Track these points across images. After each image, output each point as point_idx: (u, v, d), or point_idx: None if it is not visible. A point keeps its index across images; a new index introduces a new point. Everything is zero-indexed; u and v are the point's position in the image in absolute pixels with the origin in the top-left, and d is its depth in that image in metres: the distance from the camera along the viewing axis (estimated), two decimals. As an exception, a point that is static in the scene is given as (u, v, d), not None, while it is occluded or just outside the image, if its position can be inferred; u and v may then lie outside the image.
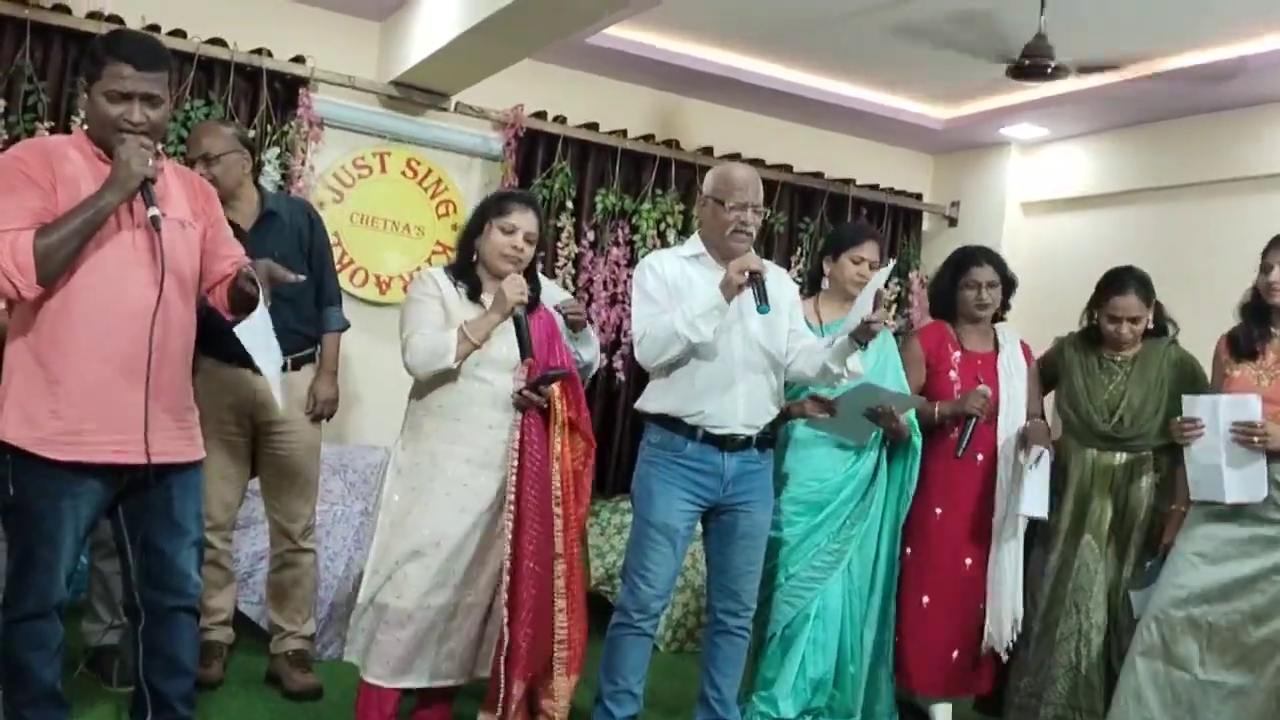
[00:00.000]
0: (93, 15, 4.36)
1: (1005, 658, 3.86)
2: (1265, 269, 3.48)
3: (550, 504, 3.09)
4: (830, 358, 3.32)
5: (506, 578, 3.01)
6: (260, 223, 3.77)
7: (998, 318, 4.04)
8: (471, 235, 3.19)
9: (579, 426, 3.21)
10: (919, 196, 6.28)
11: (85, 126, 2.75)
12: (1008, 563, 3.80)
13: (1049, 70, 3.91)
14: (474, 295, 3.16)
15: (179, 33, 4.51)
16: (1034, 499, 3.71)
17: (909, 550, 3.87)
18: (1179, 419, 3.45)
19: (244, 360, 3.59)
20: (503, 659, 3.03)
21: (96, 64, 2.60)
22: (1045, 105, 5.35)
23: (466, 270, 3.18)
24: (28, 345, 2.58)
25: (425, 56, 4.50)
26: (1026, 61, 3.96)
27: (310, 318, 3.85)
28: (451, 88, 4.93)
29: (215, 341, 3.70)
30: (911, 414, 3.78)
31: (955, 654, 3.86)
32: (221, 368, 3.71)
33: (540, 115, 5.20)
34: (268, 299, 2.65)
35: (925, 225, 6.34)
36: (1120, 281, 3.81)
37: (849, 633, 3.74)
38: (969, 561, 3.84)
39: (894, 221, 6.14)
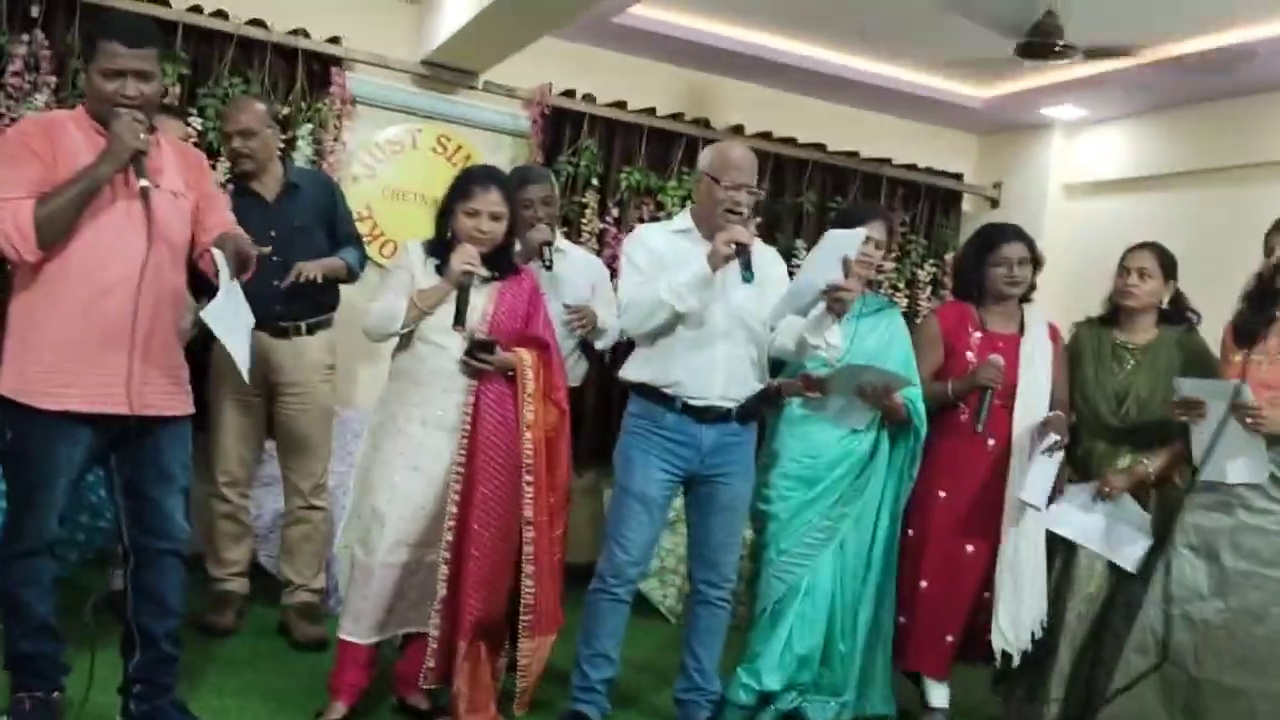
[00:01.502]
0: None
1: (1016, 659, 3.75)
2: (1268, 251, 3.43)
3: (515, 470, 3.19)
4: (806, 328, 3.35)
5: (449, 536, 3.13)
6: (283, 194, 3.97)
7: (1025, 298, 3.95)
8: (444, 215, 3.30)
9: (551, 396, 3.30)
10: (959, 177, 6.23)
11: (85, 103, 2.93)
12: (1025, 558, 3.69)
13: (1056, 49, 3.86)
14: (443, 270, 3.25)
15: (221, 13, 4.70)
16: (1035, 487, 3.65)
17: (910, 532, 3.85)
18: (1176, 398, 3.43)
19: (261, 324, 3.79)
20: (437, 615, 3.15)
21: (90, 44, 2.78)
22: (1084, 86, 5.27)
23: (439, 246, 3.29)
24: (26, 304, 2.78)
25: (451, 35, 4.63)
26: (1034, 40, 3.90)
27: (327, 286, 4.02)
28: (479, 66, 5.05)
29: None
30: (917, 399, 3.78)
31: (949, 639, 3.82)
32: (239, 332, 3.92)
33: (569, 94, 5.30)
34: (233, 275, 2.79)
35: (966, 207, 6.29)
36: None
37: (840, 611, 3.74)
38: (970, 549, 3.78)
39: (931, 202, 6.11)
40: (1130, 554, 3.64)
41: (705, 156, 3.51)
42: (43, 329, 2.75)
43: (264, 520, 4.40)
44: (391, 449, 3.22)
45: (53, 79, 4.37)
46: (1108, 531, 3.67)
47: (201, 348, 3.92)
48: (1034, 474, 3.66)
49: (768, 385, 3.59)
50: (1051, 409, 3.75)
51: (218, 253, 2.79)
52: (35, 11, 4.38)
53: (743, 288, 3.35)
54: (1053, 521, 3.70)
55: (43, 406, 2.73)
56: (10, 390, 2.76)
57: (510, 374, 3.21)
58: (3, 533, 2.87)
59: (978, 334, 3.86)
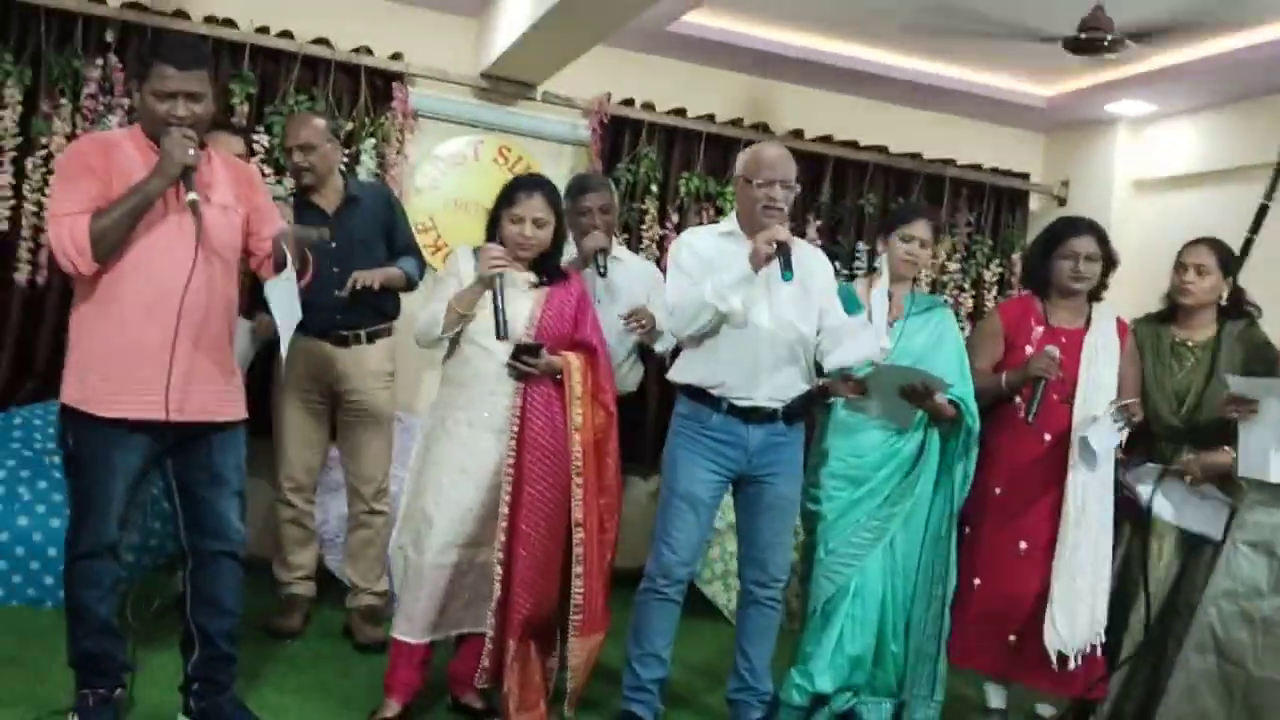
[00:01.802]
0: (209, 20, 4.75)
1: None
2: None
3: (562, 472, 3.24)
4: (856, 343, 3.39)
5: (502, 537, 3.19)
6: (343, 207, 4.07)
7: (1096, 296, 3.86)
8: (492, 224, 3.37)
9: (599, 398, 3.34)
10: (1026, 176, 6.14)
11: (136, 124, 3.04)
12: (1083, 556, 3.63)
13: (1105, 43, 3.79)
14: None
15: (287, 34, 4.85)
16: (1101, 435, 3.57)
17: (968, 529, 3.81)
18: (1226, 394, 3.36)
19: (322, 332, 3.96)
20: (492, 615, 3.20)
21: (144, 66, 2.90)
22: (1148, 81, 5.18)
23: None
24: (83, 316, 2.90)
25: (508, 47, 4.71)
26: (1082, 35, 3.85)
27: (387, 295, 4.12)
28: (537, 77, 5.13)
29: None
30: (969, 398, 3.74)
31: (1012, 638, 3.76)
32: (304, 340, 4.02)
33: (628, 103, 5.35)
34: (295, 262, 2.91)
35: (1033, 205, 6.20)
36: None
37: (890, 611, 3.73)
38: (1024, 545, 3.73)
39: (997, 202, 6.04)
40: (1215, 523, 3.56)
41: (739, 160, 3.55)
42: (98, 339, 2.87)
43: (330, 525, 4.51)
44: (441, 452, 3.29)
45: (125, 101, 4.54)
46: (1188, 502, 3.62)
47: (264, 358, 4.07)
48: (1103, 422, 3.57)
49: (814, 385, 3.59)
50: None
51: (285, 244, 2.89)
52: (109, 36, 4.57)
53: (787, 288, 3.36)
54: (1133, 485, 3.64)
55: (99, 414, 2.85)
56: (71, 399, 2.89)
57: (558, 377, 3.26)
58: (66, 536, 2.99)
59: (1040, 328, 3.80)
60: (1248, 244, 4.45)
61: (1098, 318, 3.82)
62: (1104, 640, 3.69)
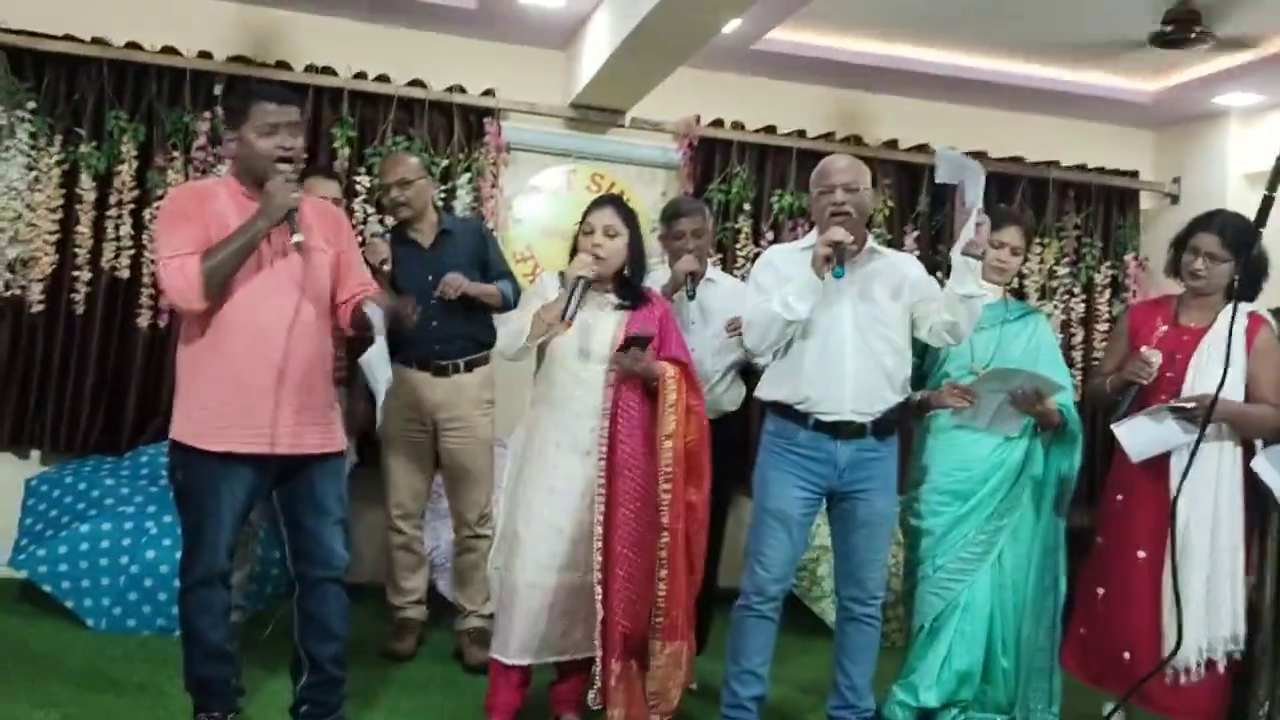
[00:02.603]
0: (309, 69, 4.96)
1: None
2: None
3: (654, 490, 3.26)
4: (953, 281, 3.28)
5: (599, 558, 3.23)
6: (438, 240, 4.20)
7: (1244, 296, 3.53)
8: (574, 251, 3.44)
9: (695, 410, 3.36)
10: (1135, 174, 5.97)
11: (228, 170, 3.21)
12: (1196, 563, 3.47)
13: (1192, 36, 3.67)
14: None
15: (383, 78, 5.03)
16: (1137, 430, 3.46)
17: (1100, 539, 3.72)
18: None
19: (422, 363, 4.10)
20: (599, 636, 3.23)
21: (242, 109, 3.04)
22: (1256, 70, 4.99)
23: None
24: (190, 354, 3.05)
25: (593, 76, 4.80)
26: (1168, 29, 3.73)
27: (484, 325, 4.23)
28: (625, 104, 5.21)
29: (399, 348, 4.20)
30: (1068, 404, 3.66)
31: (1126, 655, 3.58)
32: (405, 372, 4.16)
33: (717, 123, 5.39)
34: (383, 333, 3.05)
35: (1146, 204, 6.02)
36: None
37: (1000, 626, 3.67)
38: (1142, 554, 3.58)
39: (1106, 202, 5.88)
40: None
41: None
42: (204, 376, 3.02)
43: (440, 550, 4.63)
44: (530, 472, 3.37)
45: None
46: None
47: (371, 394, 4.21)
48: (1143, 422, 3.45)
49: (909, 398, 3.55)
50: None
51: (374, 309, 3.04)
52: (217, 90, 4.81)
53: (875, 300, 3.35)
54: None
55: (207, 448, 2.99)
56: (180, 434, 3.04)
57: (653, 385, 3.30)
58: (179, 566, 3.14)
59: (1164, 327, 3.64)
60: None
61: (1223, 317, 3.56)
62: (1236, 657, 3.49)
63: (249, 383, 2.99)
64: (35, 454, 4.83)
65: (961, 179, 3.26)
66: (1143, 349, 3.56)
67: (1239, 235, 3.52)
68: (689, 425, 3.35)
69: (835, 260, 3.19)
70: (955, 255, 3.29)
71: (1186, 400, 3.43)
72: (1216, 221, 3.62)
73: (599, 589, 3.22)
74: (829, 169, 3.41)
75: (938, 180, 3.36)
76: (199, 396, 3.02)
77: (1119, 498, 3.67)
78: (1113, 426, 3.52)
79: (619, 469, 3.25)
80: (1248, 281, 3.53)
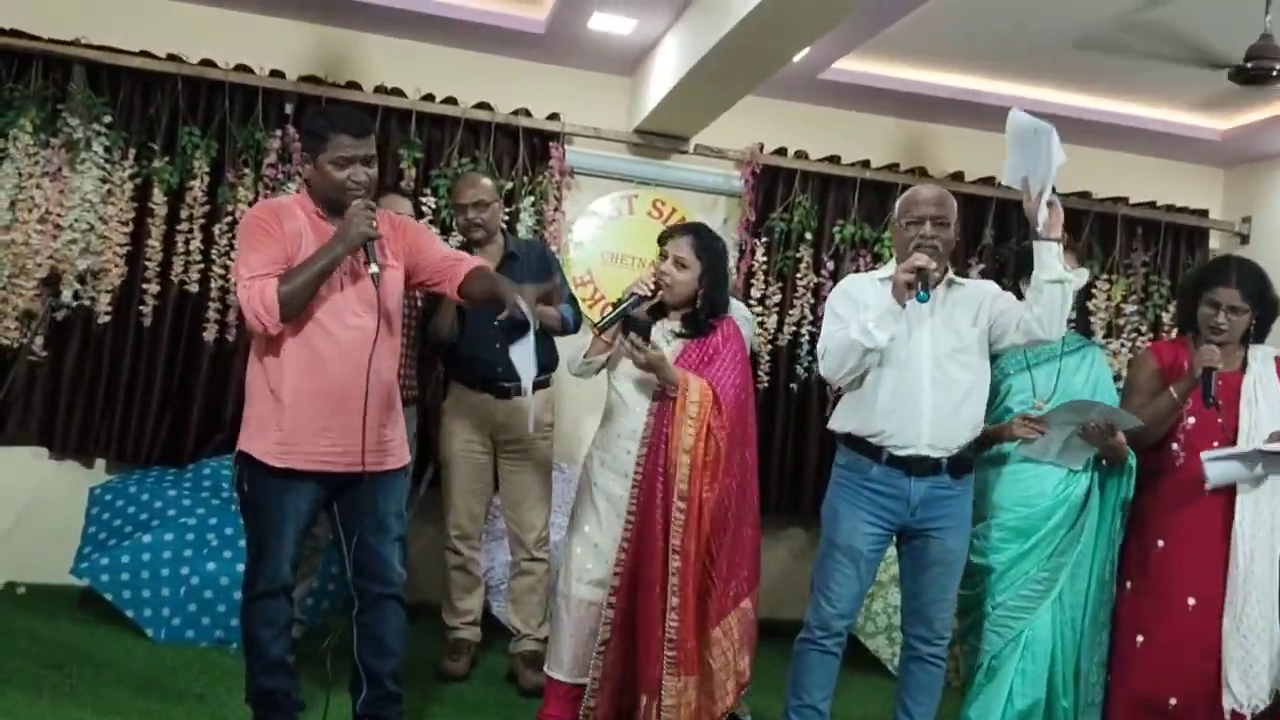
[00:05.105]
0: (379, 90, 5.01)
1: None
2: None
3: (670, 498, 3.25)
4: (1038, 268, 3.18)
5: (614, 582, 3.27)
6: (503, 263, 4.21)
7: (1256, 338, 3.66)
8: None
9: (715, 433, 3.33)
10: (1205, 213, 5.88)
11: (302, 190, 3.25)
12: (1255, 609, 3.44)
13: (1275, 73, 3.62)
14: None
15: (451, 100, 5.07)
16: (1224, 465, 3.44)
17: (1128, 584, 3.66)
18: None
19: (484, 385, 4.09)
20: (600, 656, 3.28)
21: (320, 138, 3.05)
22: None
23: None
24: (264, 371, 3.07)
25: (659, 102, 4.81)
26: (1249, 65, 3.68)
27: (545, 348, 4.22)
28: (688, 130, 5.21)
29: (463, 369, 4.22)
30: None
31: (1173, 701, 3.54)
32: (467, 393, 4.18)
33: (780, 151, 5.38)
34: (536, 323, 3.05)
35: (1215, 243, 5.93)
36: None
37: (1060, 664, 3.61)
38: (1192, 602, 3.53)
39: (1175, 240, 5.80)
40: None
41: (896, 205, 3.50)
42: (275, 394, 3.03)
43: (495, 572, 4.62)
44: (585, 495, 3.47)
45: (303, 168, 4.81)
46: None
47: (433, 416, 4.23)
48: (1234, 465, 3.43)
49: (980, 431, 3.50)
50: None
51: (524, 303, 3.01)
52: (288, 109, 4.87)
53: (956, 329, 3.31)
54: None
55: (272, 464, 3.01)
56: (248, 448, 3.06)
57: (671, 392, 3.31)
58: (243, 578, 3.16)
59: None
60: None
61: (1254, 359, 3.63)
62: None
63: (318, 402, 3.01)
64: (100, 463, 4.88)
65: (1034, 156, 3.20)
66: (1204, 346, 3.51)
67: (1256, 284, 3.60)
68: (708, 446, 3.32)
69: (919, 286, 3.15)
70: (1033, 242, 3.20)
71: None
72: (1234, 274, 3.62)
73: (608, 610, 3.23)
74: (917, 199, 3.36)
75: (1005, 182, 3.32)
76: (269, 414, 3.04)
77: (1160, 544, 3.60)
78: (1204, 459, 3.44)
79: (645, 491, 3.31)
80: (1260, 326, 3.63)
